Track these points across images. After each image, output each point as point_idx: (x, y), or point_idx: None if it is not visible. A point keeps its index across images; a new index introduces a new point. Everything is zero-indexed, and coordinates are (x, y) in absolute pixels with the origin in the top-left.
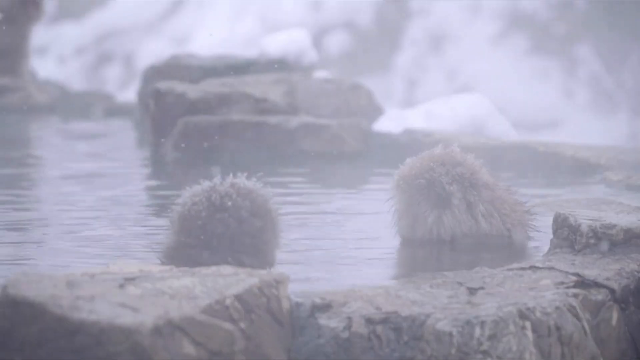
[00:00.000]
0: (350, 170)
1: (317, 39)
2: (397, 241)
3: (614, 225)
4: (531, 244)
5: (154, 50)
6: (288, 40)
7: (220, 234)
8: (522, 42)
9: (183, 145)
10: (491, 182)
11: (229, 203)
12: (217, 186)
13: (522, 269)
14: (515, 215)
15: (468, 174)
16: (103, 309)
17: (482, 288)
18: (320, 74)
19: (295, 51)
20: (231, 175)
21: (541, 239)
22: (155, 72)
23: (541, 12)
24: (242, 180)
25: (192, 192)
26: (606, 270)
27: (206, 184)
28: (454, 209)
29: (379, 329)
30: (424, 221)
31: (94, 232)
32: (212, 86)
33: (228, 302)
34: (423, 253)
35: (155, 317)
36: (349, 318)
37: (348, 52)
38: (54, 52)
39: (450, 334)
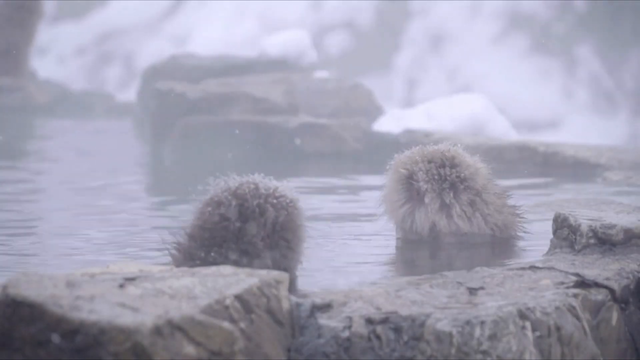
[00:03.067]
0: (350, 170)
1: (317, 39)
2: (396, 242)
3: (614, 225)
4: (520, 244)
5: (154, 50)
6: (288, 40)
7: (198, 227)
8: (522, 42)
9: (183, 145)
10: (480, 185)
11: (215, 199)
12: (228, 184)
13: (522, 269)
14: (500, 216)
15: (453, 175)
16: (103, 309)
17: (482, 288)
18: (320, 74)
19: (295, 51)
20: (237, 175)
21: (530, 239)
22: (155, 72)
23: (541, 12)
24: (245, 179)
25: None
26: (606, 270)
27: (220, 181)
28: (426, 206)
29: (379, 329)
30: (397, 210)
31: (94, 231)
32: (212, 86)
33: (228, 302)
34: (422, 255)
35: (155, 317)
36: (349, 318)
37: (348, 52)
38: (54, 52)
39: (450, 334)
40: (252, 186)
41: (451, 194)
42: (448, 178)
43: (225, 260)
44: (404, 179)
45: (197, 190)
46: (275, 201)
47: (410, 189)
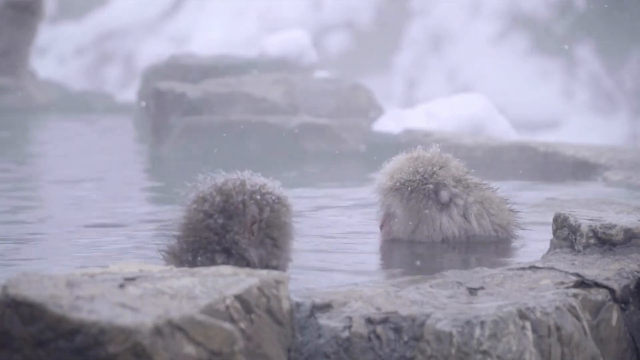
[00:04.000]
0: (350, 170)
1: (317, 39)
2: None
3: (614, 225)
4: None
5: (154, 50)
6: (288, 40)
7: (185, 226)
8: (522, 42)
9: (183, 145)
10: (478, 181)
11: (200, 195)
12: (214, 180)
13: (522, 269)
14: (503, 215)
15: (462, 174)
16: (103, 309)
17: (482, 288)
18: (320, 74)
19: (295, 51)
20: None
21: (530, 239)
22: (155, 72)
23: (541, 12)
24: (232, 175)
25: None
26: (606, 270)
27: (208, 179)
28: (452, 210)
29: (379, 329)
30: (432, 224)
31: (93, 231)
32: (212, 86)
33: (228, 302)
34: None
35: (155, 317)
36: (349, 318)
37: (348, 52)
38: (54, 52)
39: (450, 334)
40: (238, 182)
41: (471, 193)
42: (462, 179)
43: (212, 264)
44: (430, 193)
45: (186, 188)
46: (259, 197)
47: (437, 200)
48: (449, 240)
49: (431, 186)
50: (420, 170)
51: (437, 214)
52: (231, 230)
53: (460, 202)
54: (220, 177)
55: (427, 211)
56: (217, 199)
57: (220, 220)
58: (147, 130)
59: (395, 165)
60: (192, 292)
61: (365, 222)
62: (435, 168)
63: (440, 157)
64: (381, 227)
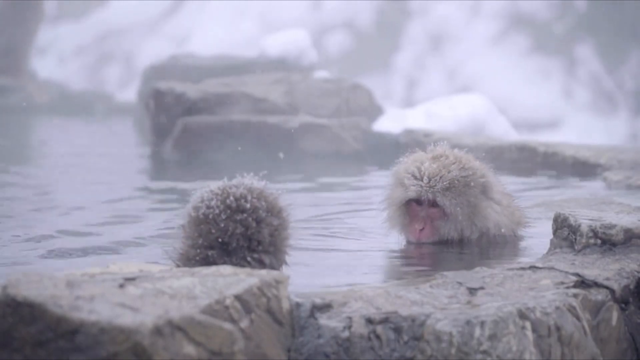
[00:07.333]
0: (350, 170)
1: (317, 39)
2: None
3: (614, 225)
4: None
5: (154, 50)
6: (288, 40)
7: (240, 235)
8: (522, 42)
9: (183, 145)
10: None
11: (247, 204)
12: (228, 188)
13: (522, 269)
14: (517, 211)
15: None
16: (103, 309)
17: (482, 288)
18: (320, 74)
19: (295, 51)
20: (239, 176)
21: (530, 239)
22: (155, 72)
23: (541, 12)
24: (251, 180)
25: (202, 195)
26: (606, 270)
27: (214, 185)
28: (495, 201)
29: (379, 329)
30: (484, 217)
31: (93, 231)
32: (212, 86)
33: (228, 302)
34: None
35: (155, 317)
36: (349, 318)
37: (348, 52)
38: (54, 52)
39: (450, 334)
40: (254, 185)
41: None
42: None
43: (260, 264)
44: (479, 187)
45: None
46: (276, 196)
47: (484, 192)
48: (488, 236)
49: (482, 179)
50: (467, 165)
51: (487, 206)
52: (283, 228)
53: (501, 188)
54: (237, 184)
55: (484, 204)
56: (263, 203)
57: (276, 222)
58: (147, 130)
59: (432, 165)
60: (192, 292)
61: (368, 221)
62: (476, 162)
63: (461, 153)
64: (421, 229)
